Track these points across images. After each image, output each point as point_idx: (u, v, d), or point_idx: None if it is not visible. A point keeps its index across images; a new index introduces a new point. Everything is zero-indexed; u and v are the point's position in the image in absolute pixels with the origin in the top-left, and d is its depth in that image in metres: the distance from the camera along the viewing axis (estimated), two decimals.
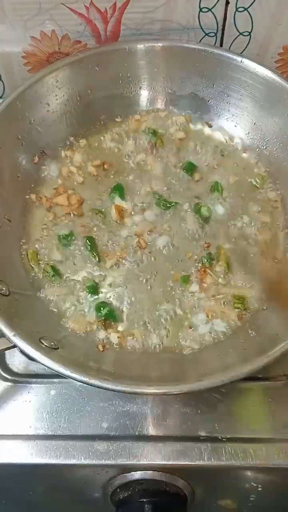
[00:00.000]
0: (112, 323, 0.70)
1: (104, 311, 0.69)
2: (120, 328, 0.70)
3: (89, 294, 0.72)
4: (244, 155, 0.85)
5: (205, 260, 0.74)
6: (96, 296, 0.72)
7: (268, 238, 0.77)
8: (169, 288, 0.72)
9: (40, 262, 0.74)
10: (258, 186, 0.81)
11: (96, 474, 0.66)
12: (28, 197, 0.79)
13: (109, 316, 0.69)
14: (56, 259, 0.74)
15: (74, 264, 0.74)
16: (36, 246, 0.75)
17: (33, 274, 0.73)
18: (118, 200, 0.79)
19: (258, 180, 0.82)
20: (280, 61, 0.91)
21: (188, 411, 0.67)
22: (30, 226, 0.77)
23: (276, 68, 0.92)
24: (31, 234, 0.76)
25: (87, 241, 0.75)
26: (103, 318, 0.69)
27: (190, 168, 0.82)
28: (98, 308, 0.70)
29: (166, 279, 0.73)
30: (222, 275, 0.73)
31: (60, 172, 0.82)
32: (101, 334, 0.69)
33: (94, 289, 0.72)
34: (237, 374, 0.57)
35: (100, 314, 0.69)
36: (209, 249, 0.75)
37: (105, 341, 0.68)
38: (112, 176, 0.82)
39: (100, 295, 0.72)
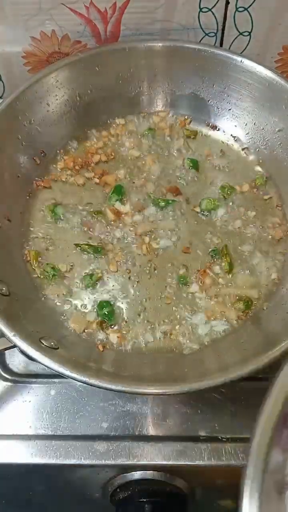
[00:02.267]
0: (110, 324, 0.69)
1: (105, 310, 0.69)
2: (119, 328, 0.69)
3: (90, 294, 0.72)
4: (244, 155, 0.85)
5: (211, 257, 0.74)
6: (96, 295, 0.72)
7: (268, 237, 0.77)
8: (169, 289, 0.72)
9: (41, 262, 0.74)
10: (258, 185, 0.81)
11: (96, 474, 0.66)
12: (28, 197, 0.79)
13: (108, 317, 0.69)
14: (57, 261, 0.74)
15: (74, 264, 0.74)
16: (37, 246, 0.75)
17: (34, 275, 0.73)
18: (117, 204, 0.79)
19: (258, 180, 0.82)
20: (280, 61, 0.91)
21: (188, 411, 0.67)
22: (30, 226, 0.77)
23: (276, 68, 0.92)
24: (31, 234, 0.76)
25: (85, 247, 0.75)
26: (101, 319, 0.69)
27: (194, 165, 0.83)
28: (100, 307, 0.70)
29: (166, 279, 0.73)
30: (222, 275, 0.73)
31: (59, 171, 0.82)
32: (101, 334, 0.69)
33: (93, 285, 0.72)
34: (237, 374, 0.57)
35: (101, 313, 0.69)
36: (215, 247, 0.75)
37: (105, 341, 0.68)
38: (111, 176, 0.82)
39: (100, 294, 0.72)
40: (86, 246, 0.75)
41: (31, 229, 0.77)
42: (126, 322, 0.70)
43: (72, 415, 0.67)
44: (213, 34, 0.87)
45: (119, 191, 0.80)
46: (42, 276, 0.72)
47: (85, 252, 0.75)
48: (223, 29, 0.86)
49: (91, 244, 0.75)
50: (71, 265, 0.74)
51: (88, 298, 0.72)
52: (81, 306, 0.71)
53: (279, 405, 0.45)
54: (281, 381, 0.46)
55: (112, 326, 0.69)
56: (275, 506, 0.42)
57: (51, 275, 0.72)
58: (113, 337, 0.68)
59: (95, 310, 0.70)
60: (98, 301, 0.71)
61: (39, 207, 0.79)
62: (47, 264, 0.73)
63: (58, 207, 0.78)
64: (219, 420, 0.66)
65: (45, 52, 0.88)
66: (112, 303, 0.71)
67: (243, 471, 0.43)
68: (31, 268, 0.73)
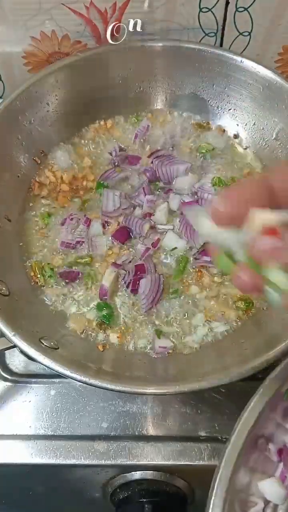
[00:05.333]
0: (109, 326, 0.69)
1: (103, 312, 0.69)
2: (118, 329, 0.69)
3: (89, 293, 0.72)
4: (244, 155, 0.85)
5: None
6: (95, 295, 0.72)
7: None
8: (169, 288, 0.72)
9: (44, 270, 0.73)
10: None
11: (96, 474, 0.66)
12: (27, 195, 0.79)
13: (107, 318, 0.69)
14: (55, 262, 0.74)
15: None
16: (35, 245, 0.75)
17: (32, 275, 0.73)
18: None
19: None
20: (280, 61, 0.91)
21: (188, 411, 0.67)
22: (29, 225, 0.77)
23: (276, 68, 0.92)
24: (31, 233, 0.76)
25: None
26: (100, 320, 0.69)
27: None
28: (99, 308, 0.70)
29: (166, 278, 0.73)
30: (218, 274, 0.73)
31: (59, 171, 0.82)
32: (101, 335, 0.69)
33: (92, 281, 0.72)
34: (237, 374, 0.57)
35: (100, 314, 0.69)
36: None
37: (105, 341, 0.68)
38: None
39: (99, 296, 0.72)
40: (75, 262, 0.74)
41: (30, 228, 0.77)
42: (125, 323, 0.70)
43: (72, 415, 0.67)
44: (213, 34, 0.87)
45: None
46: (42, 277, 0.72)
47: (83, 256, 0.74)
48: (223, 29, 0.86)
49: (79, 261, 0.74)
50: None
51: (88, 298, 0.72)
52: (81, 306, 0.71)
53: (248, 427, 0.46)
54: (254, 403, 0.47)
55: (112, 327, 0.69)
56: None
57: (48, 275, 0.72)
58: (113, 337, 0.68)
59: (94, 310, 0.70)
60: (97, 303, 0.71)
61: (36, 209, 0.78)
62: (47, 264, 0.73)
63: (51, 217, 0.77)
64: (219, 420, 0.66)
65: (45, 52, 0.88)
66: (109, 304, 0.71)
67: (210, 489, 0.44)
68: (32, 276, 0.73)
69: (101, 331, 0.69)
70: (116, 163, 0.82)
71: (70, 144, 0.84)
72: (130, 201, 0.78)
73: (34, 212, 0.78)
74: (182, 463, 0.63)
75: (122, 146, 0.84)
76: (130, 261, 0.73)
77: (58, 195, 0.79)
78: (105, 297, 0.70)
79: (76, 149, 0.84)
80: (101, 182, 0.79)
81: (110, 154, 0.83)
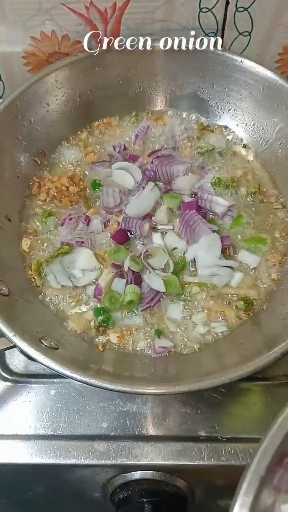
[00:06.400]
0: (107, 328, 0.69)
1: (101, 317, 0.69)
2: (118, 329, 0.69)
3: (89, 293, 0.72)
4: (244, 155, 0.85)
5: None
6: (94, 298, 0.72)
7: (269, 239, 0.77)
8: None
9: (41, 271, 0.72)
10: (257, 186, 0.81)
11: (96, 474, 0.66)
12: (26, 196, 0.79)
13: (105, 322, 0.69)
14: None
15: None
16: (34, 246, 0.75)
17: (32, 275, 0.73)
18: None
19: (257, 180, 0.82)
20: (280, 61, 0.91)
21: (188, 411, 0.67)
22: (28, 225, 0.77)
23: (276, 68, 0.92)
24: (31, 233, 0.76)
25: None
26: (98, 323, 0.69)
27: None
28: (97, 313, 0.70)
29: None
30: None
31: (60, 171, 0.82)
32: (101, 336, 0.69)
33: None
34: (237, 374, 0.57)
35: (98, 318, 0.69)
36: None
37: (105, 341, 0.68)
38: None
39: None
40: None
41: (30, 228, 0.77)
42: (125, 322, 0.70)
43: (72, 415, 0.67)
44: (213, 34, 0.87)
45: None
46: (41, 278, 0.72)
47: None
48: (223, 29, 0.86)
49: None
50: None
51: (88, 298, 0.72)
52: (80, 306, 0.71)
53: (275, 444, 0.44)
54: (281, 421, 0.45)
55: (111, 330, 0.69)
56: None
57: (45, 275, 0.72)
58: (113, 337, 0.68)
59: (93, 311, 0.70)
60: (95, 307, 0.70)
61: (36, 209, 0.78)
62: (46, 261, 0.73)
63: (50, 218, 0.77)
64: (219, 420, 0.66)
65: (45, 52, 0.88)
66: (107, 309, 0.70)
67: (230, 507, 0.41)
68: (32, 278, 0.72)
69: (100, 334, 0.69)
70: (116, 160, 0.82)
71: (70, 144, 0.84)
72: (129, 197, 0.78)
73: (34, 212, 0.78)
74: (182, 463, 0.63)
75: (123, 145, 0.84)
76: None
77: (64, 198, 0.79)
78: (99, 297, 0.70)
79: (76, 149, 0.84)
80: (97, 182, 0.79)
81: (114, 148, 0.82)
